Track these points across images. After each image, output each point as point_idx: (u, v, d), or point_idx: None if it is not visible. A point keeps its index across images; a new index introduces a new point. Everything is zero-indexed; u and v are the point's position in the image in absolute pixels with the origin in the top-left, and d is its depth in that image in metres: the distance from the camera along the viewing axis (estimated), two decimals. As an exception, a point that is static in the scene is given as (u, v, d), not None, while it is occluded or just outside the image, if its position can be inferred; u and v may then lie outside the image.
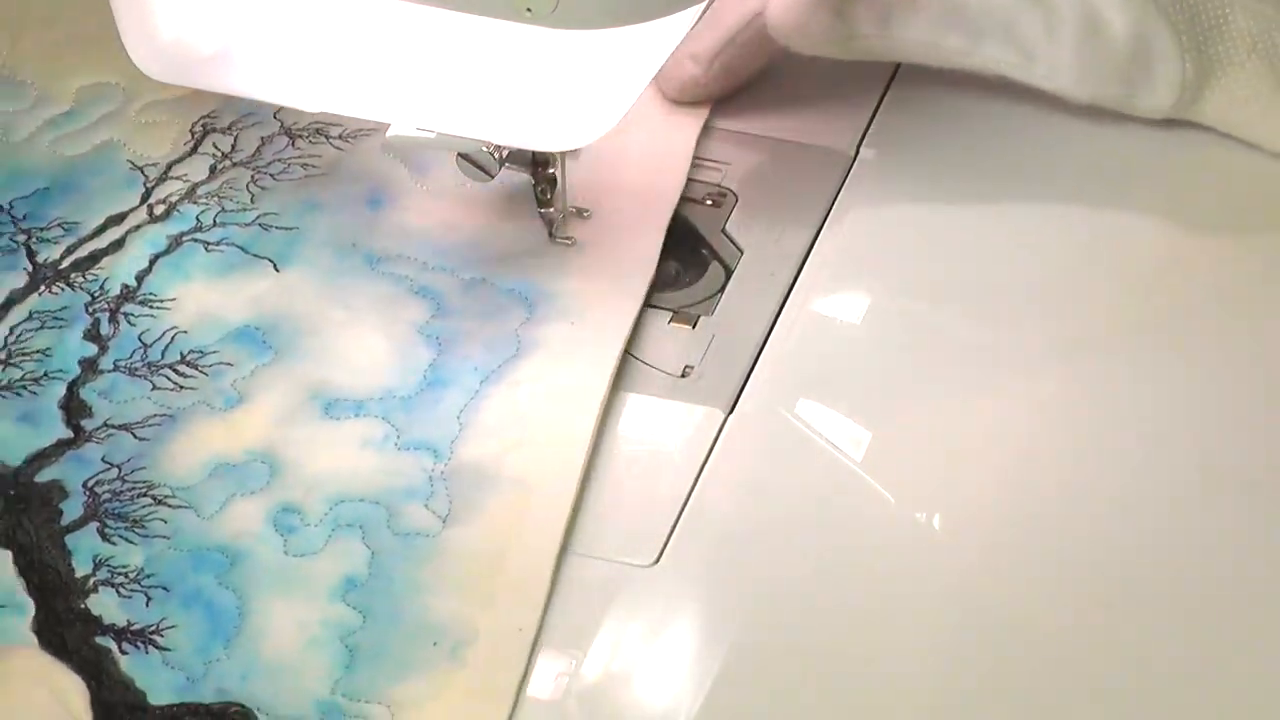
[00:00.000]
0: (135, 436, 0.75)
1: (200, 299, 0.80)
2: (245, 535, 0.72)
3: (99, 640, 0.69)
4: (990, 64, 0.83)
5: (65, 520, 0.73)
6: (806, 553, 0.71)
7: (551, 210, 0.81)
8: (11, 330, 0.79)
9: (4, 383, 0.77)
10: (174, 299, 0.80)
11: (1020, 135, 0.87)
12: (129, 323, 0.79)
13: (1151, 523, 0.71)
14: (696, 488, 0.73)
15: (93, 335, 0.79)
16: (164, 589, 0.70)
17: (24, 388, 0.77)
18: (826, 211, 0.83)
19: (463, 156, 0.78)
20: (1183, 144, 0.86)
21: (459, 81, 0.74)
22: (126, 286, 0.81)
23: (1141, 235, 0.83)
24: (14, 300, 0.80)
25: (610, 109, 0.75)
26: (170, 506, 0.73)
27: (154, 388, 0.77)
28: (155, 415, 0.76)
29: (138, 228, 0.83)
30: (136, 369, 0.78)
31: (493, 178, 0.79)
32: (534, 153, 0.79)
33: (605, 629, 0.69)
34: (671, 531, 0.72)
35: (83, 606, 0.70)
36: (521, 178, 0.81)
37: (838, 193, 0.84)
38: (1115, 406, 0.76)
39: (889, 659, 0.67)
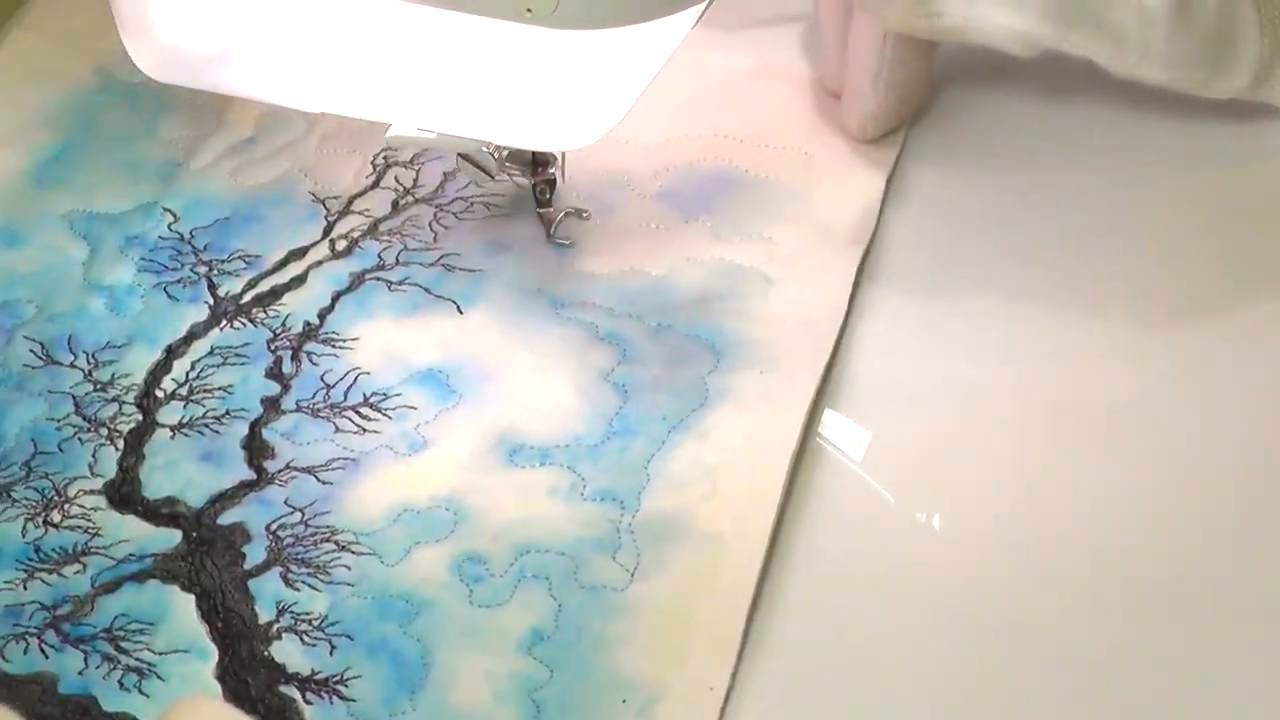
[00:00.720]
0: (318, 479, 0.74)
1: (383, 339, 0.79)
2: (430, 584, 0.71)
3: (283, 689, 0.68)
4: (1077, 50, 0.80)
5: (248, 564, 0.72)
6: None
7: (551, 210, 0.81)
8: (193, 365, 0.78)
9: (186, 419, 0.76)
10: (356, 338, 0.79)
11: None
12: (311, 361, 0.78)
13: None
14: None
15: (275, 374, 0.78)
16: (348, 637, 0.69)
17: (206, 426, 0.76)
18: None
19: (463, 157, 0.78)
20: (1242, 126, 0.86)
21: (459, 81, 0.74)
22: (308, 324, 0.80)
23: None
24: (196, 334, 0.79)
25: (610, 109, 0.74)
26: (354, 553, 0.72)
27: (337, 430, 0.76)
28: (338, 458, 0.75)
29: (319, 263, 0.82)
30: (319, 410, 0.77)
31: (493, 178, 0.79)
32: (534, 153, 0.79)
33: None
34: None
35: (267, 654, 0.69)
36: (709, 223, 0.80)
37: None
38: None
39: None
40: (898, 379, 0.77)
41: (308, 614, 0.70)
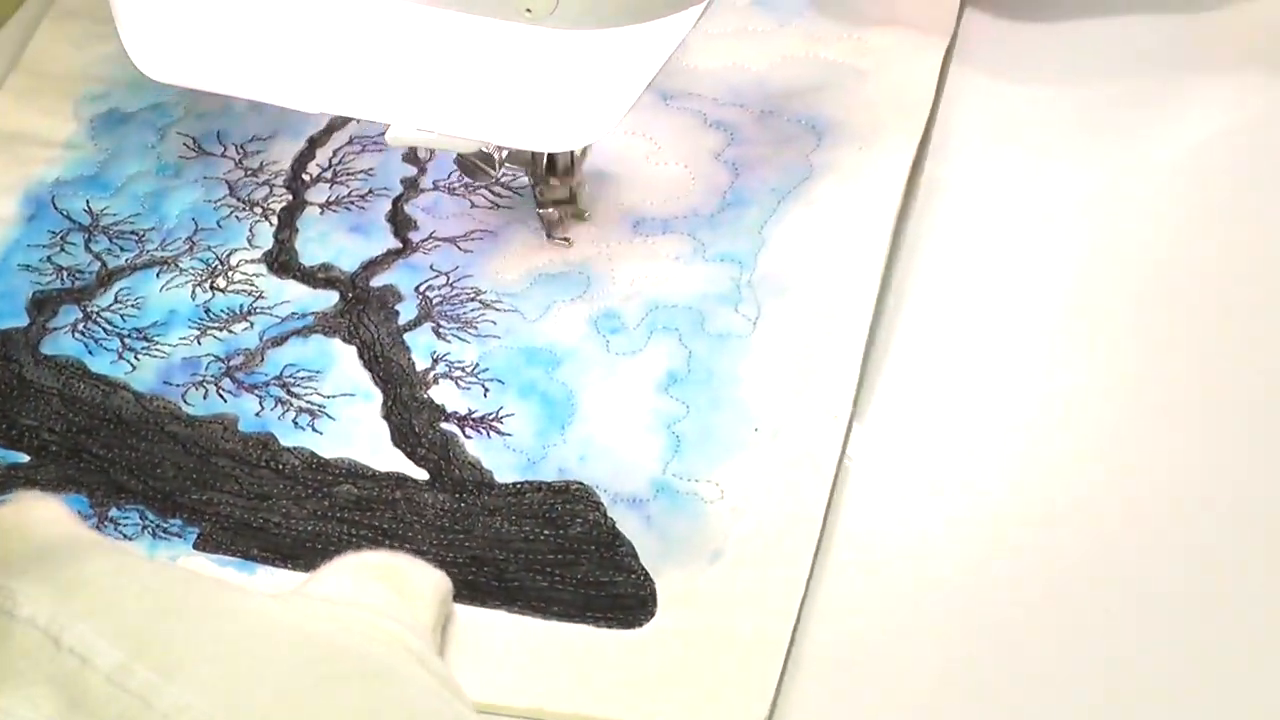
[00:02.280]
0: (459, 248, 0.80)
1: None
2: (570, 335, 0.77)
3: (444, 425, 0.74)
4: None
5: (402, 320, 0.78)
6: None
7: (550, 211, 0.81)
8: (335, 152, 0.84)
9: (334, 198, 0.83)
10: (486, 127, 0.85)
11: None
12: (444, 148, 0.84)
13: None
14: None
15: (412, 158, 0.84)
16: (499, 381, 0.76)
17: (352, 203, 0.82)
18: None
19: (462, 157, 0.79)
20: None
21: (459, 81, 0.74)
22: (438, 115, 0.85)
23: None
24: (335, 126, 0.85)
25: (610, 109, 0.75)
26: (497, 310, 0.78)
27: (473, 205, 0.82)
28: (476, 229, 0.81)
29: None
30: (455, 189, 0.83)
31: (493, 178, 0.80)
32: (552, 163, 0.80)
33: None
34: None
35: (426, 396, 0.75)
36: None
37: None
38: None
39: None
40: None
41: (460, 362, 0.77)
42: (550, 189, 0.80)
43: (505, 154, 0.78)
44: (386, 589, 0.65)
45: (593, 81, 0.73)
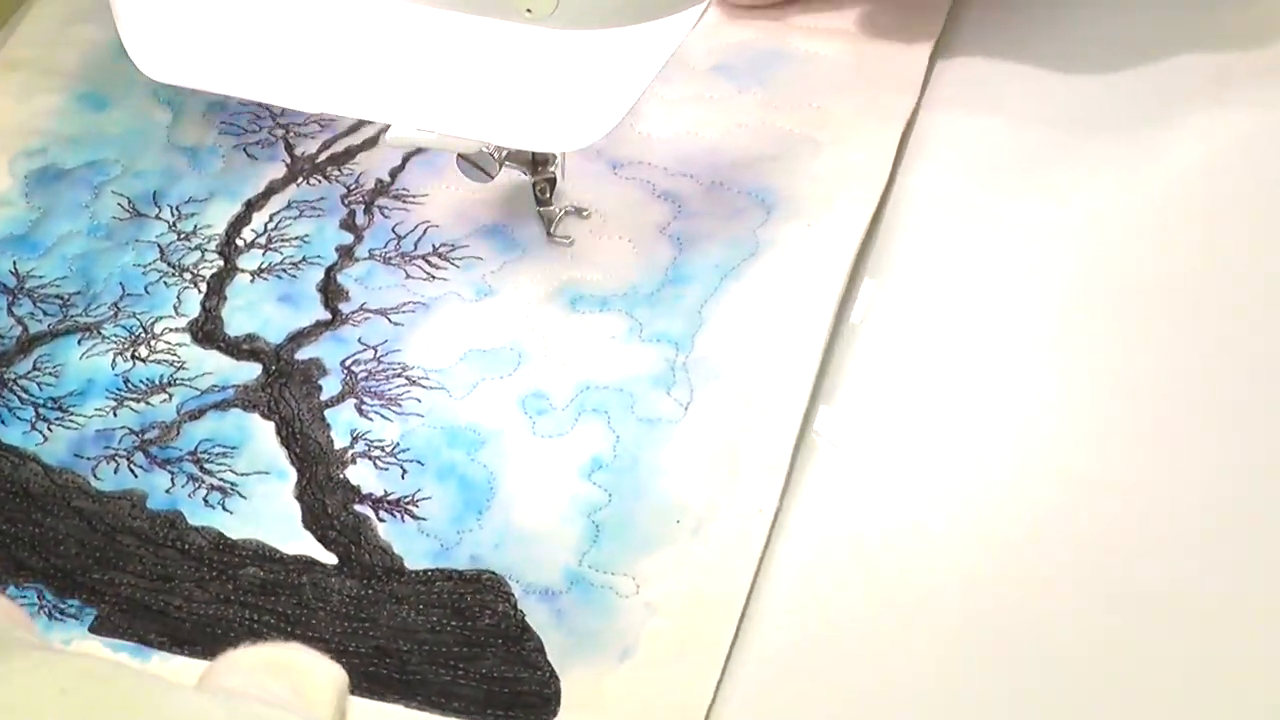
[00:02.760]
0: (390, 320, 0.78)
1: (451, 196, 0.83)
2: (496, 416, 0.75)
3: (358, 508, 0.72)
4: None
5: (324, 395, 0.76)
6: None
7: (551, 209, 0.81)
8: (271, 217, 0.82)
9: (265, 265, 0.81)
10: (426, 195, 0.83)
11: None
12: (383, 214, 0.82)
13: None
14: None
15: (349, 225, 0.82)
16: (419, 462, 0.73)
17: (284, 271, 0.80)
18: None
19: (462, 157, 0.78)
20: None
21: (459, 81, 0.74)
22: (380, 181, 0.84)
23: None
24: (274, 189, 0.84)
25: (610, 109, 0.75)
26: (423, 387, 0.76)
27: (407, 276, 0.80)
28: (408, 302, 0.79)
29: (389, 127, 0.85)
30: (390, 258, 0.81)
31: (492, 178, 0.79)
32: (533, 153, 0.79)
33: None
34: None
35: (342, 476, 0.73)
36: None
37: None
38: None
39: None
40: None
41: (380, 441, 0.74)
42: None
43: (505, 154, 0.78)
44: (284, 686, 0.63)
45: (593, 81, 0.73)
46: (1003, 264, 0.80)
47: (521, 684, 0.67)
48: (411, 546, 0.71)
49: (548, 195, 0.80)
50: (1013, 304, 0.78)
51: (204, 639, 0.69)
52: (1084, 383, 0.75)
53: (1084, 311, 0.78)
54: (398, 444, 0.74)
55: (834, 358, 0.77)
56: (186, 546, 0.71)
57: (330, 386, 0.76)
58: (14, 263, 0.81)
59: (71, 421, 0.75)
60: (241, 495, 0.73)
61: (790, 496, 0.73)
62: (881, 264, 0.81)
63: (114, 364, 0.77)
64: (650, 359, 0.77)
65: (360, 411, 0.75)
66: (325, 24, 0.74)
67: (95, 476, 0.74)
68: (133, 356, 0.78)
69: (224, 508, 0.72)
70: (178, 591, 0.70)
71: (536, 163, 0.79)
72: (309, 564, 0.71)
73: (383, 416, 0.75)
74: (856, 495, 0.73)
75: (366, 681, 0.67)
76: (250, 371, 0.77)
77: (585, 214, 0.81)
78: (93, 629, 0.69)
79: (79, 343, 0.78)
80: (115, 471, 0.74)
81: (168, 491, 0.73)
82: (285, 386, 0.76)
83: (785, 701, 0.68)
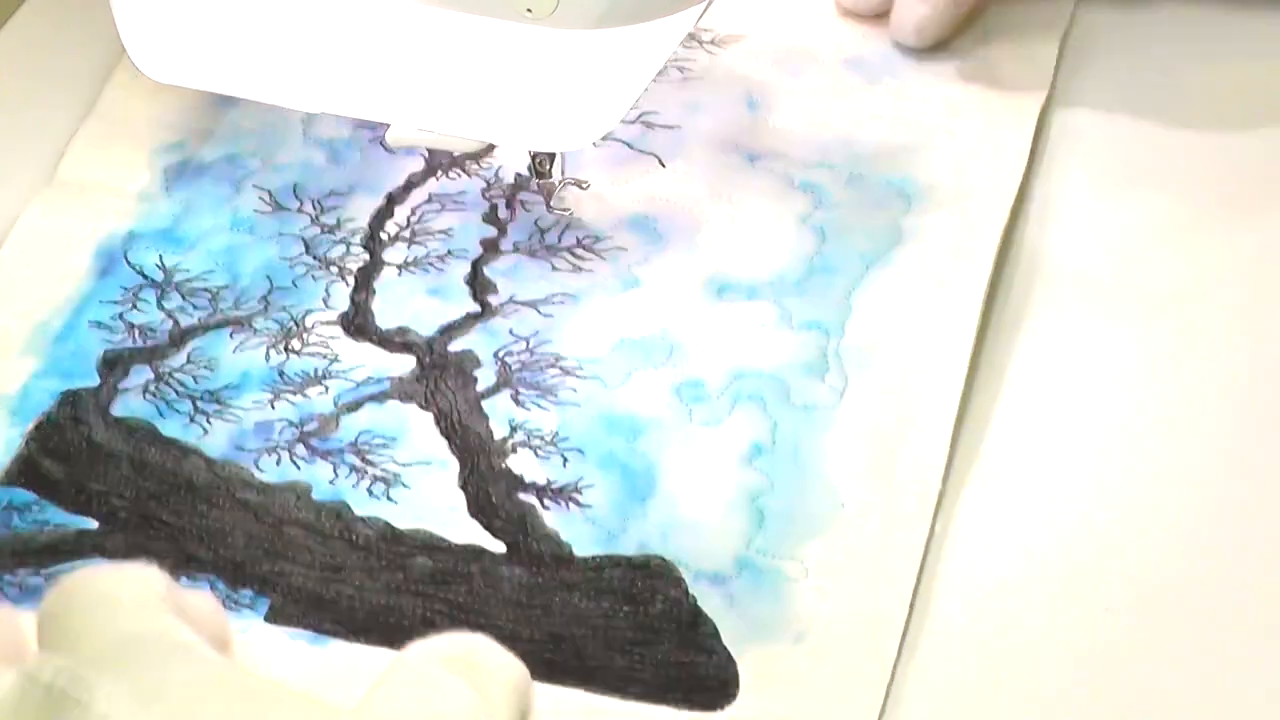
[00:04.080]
0: (539, 312, 0.79)
1: (592, 189, 0.83)
2: (652, 404, 0.75)
3: (522, 496, 0.72)
4: None
5: (480, 386, 0.76)
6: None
7: (550, 180, 0.81)
8: (414, 210, 0.83)
9: (411, 259, 0.81)
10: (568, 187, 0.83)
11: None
12: (524, 209, 0.83)
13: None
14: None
15: (492, 219, 0.82)
16: (579, 451, 0.74)
17: (430, 264, 0.81)
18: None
19: (462, 156, 0.78)
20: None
21: (459, 81, 0.74)
22: (519, 175, 0.84)
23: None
24: (414, 183, 0.84)
25: (610, 109, 0.75)
26: (578, 377, 0.76)
27: (553, 269, 0.80)
28: (557, 294, 0.79)
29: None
30: (535, 250, 0.81)
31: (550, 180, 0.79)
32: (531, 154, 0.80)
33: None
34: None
35: (504, 465, 0.73)
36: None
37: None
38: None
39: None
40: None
41: (539, 430, 0.75)
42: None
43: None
44: (467, 686, 0.63)
45: (593, 81, 0.73)
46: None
47: (698, 668, 0.67)
48: (578, 534, 0.71)
49: (547, 168, 0.80)
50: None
51: (378, 627, 0.69)
52: (1252, 374, 0.75)
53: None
54: (556, 433, 0.74)
55: (986, 345, 0.77)
56: (354, 537, 0.71)
57: (485, 378, 0.76)
58: (160, 257, 0.81)
59: (230, 414, 0.75)
60: (405, 485, 0.73)
61: (952, 482, 0.73)
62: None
63: (268, 357, 0.77)
64: (802, 346, 0.77)
65: (517, 401, 0.75)
66: (325, 24, 0.74)
67: (258, 468, 0.74)
68: (286, 349, 0.78)
69: (388, 498, 0.73)
70: (349, 581, 0.70)
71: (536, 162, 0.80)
72: (478, 553, 0.71)
73: (539, 406, 0.75)
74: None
75: (543, 668, 0.67)
76: (404, 364, 0.77)
77: (585, 185, 0.81)
78: (268, 618, 0.69)
79: (231, 336, 0.78)
80: (278, 463, 0.74)
81: (331, 483, 0.73)
82: (441, 378, 0.76)
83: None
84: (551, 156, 0.80)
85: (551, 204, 0.81)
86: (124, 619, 0.59)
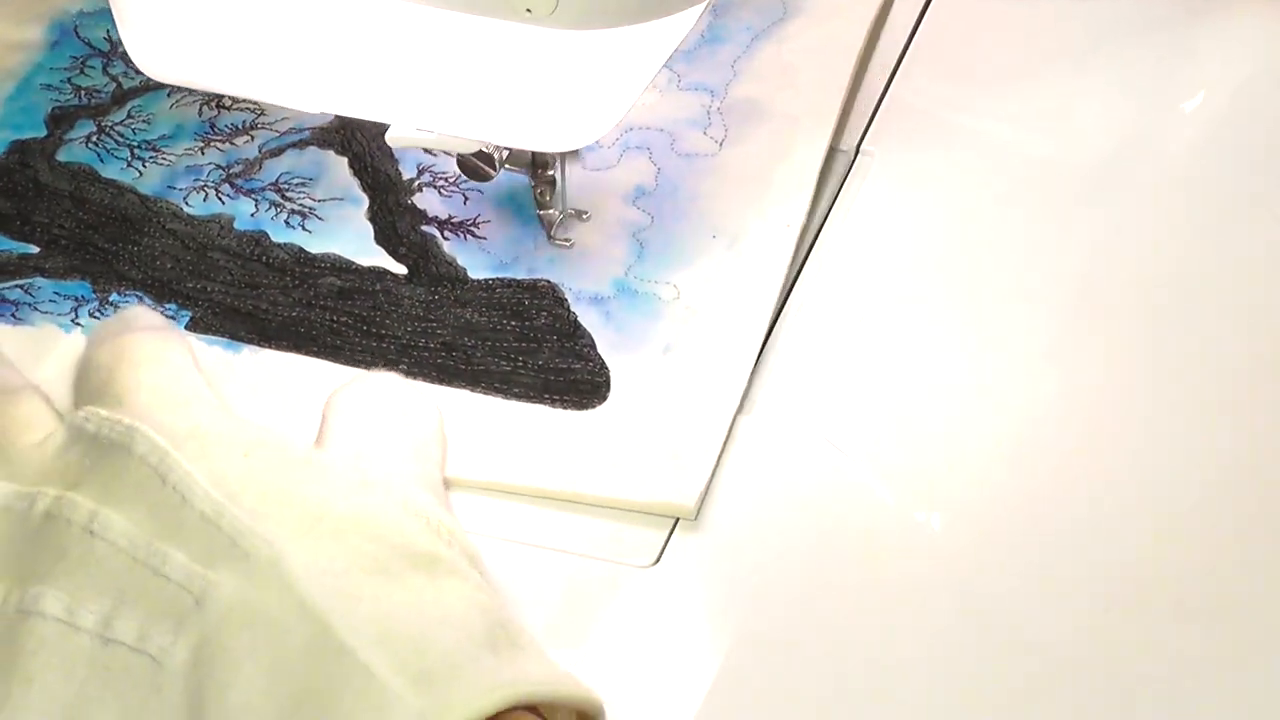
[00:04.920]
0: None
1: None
2: (549, 152, 0.82)
3: (424, 228, 0.80)
4: None
5: (392, 134, 0.82)
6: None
7: (551, 212, 0.80)
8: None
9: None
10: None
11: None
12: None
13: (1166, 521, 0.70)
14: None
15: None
16: (479, 192, 0.81)
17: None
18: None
19: (463, 157, 0.78)
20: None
21: (459, 81, 0.74)
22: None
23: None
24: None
25: (610, 109, 0.75)
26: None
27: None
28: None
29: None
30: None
31: (492, 178, 0.79)
32: (534, 153, 0.79)
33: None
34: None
35: (410, 202, 0.81)
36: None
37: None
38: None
39: (888, 658, 0.67)
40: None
41: (444, 173, 0.82)
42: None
43: (506, 154, 0.78)
44: (401, 443, 0.71)
45: (593, 81, 0.74)
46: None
47: (575, 373, 0.75)
48: (475, 261, 0.79)
49: (548, 198, 0.80)
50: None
51: (289, 336, 0.76)
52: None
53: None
54: (459, 175, 0.81)
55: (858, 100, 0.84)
56: (270, 260, 0.79)
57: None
58: (108, 31, 0.89)
59: (164, 159, 0.83)
60: (319, 217, 0.80)
61: (815, 214, 0.80)
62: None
63: (200, 112, 0.85)
64: (688, 104, 0.84)
65: (425, 149, 0.82)
66: (325, 23, 0.75)
67: (186, 204, 0.81)
68: (218, 106, 0.85)
69: (304, 228, 0.80)
70: (264, 297, 0.78)
71: (536, 165, 0.79)
72: (382, 274, 0.78)
73: (445, 153, 0.82)
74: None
75: (436, 371, 0.75)
76: (324, 116, 0.84)
77: (585, 216, 0.81)
78: (189, 327, 0.77)
79: (168, 95, 0.86)
80: (204, 200, 0.81)
81: (252, 215, 0.81)
82: (357, 127, 0.83)
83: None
84: (552, 185, 0.80)
85: (552, 235, 0.80)
86: (156, 372, 0.70)
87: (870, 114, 0.85)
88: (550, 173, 0.79)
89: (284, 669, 0.57)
